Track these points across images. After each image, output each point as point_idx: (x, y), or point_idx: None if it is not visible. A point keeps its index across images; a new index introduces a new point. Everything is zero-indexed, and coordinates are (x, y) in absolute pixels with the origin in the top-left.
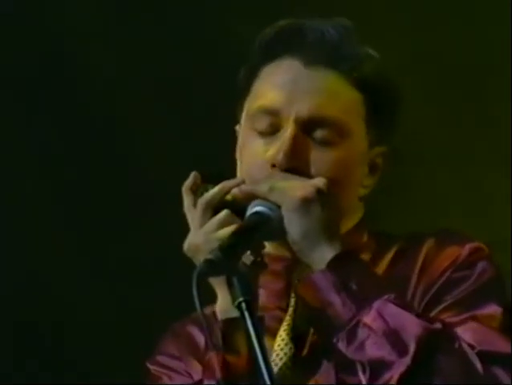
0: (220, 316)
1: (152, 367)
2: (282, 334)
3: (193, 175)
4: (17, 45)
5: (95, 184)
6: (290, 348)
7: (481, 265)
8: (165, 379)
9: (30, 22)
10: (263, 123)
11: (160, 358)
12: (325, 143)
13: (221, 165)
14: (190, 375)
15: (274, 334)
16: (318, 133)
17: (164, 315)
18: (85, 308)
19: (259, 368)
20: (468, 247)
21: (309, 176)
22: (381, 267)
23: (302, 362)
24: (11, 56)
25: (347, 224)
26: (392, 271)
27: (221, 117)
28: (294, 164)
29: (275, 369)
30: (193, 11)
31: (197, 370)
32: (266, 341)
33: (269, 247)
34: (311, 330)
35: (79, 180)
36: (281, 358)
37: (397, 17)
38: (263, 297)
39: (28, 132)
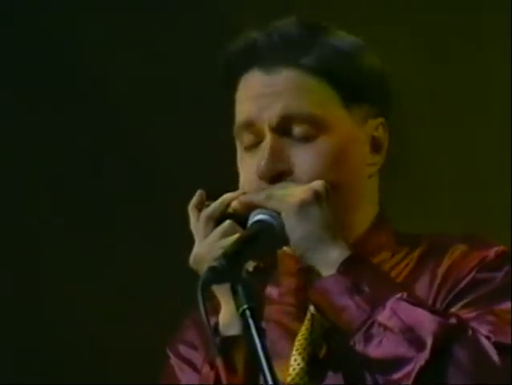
0: (221, 330)
1: (170, 354)
2: (298, 344)
3: (198, 193)
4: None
5: (99, 186)
6: (306, 362)
7: (506, 269)
8: (177, 370)
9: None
10: (246, 140)
11: (178, 346)
12: (305, 140)
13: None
14: (202, 368)
15: (285, 329)
16: (296, 132)
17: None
18: (86, 309)
19: (264, 377)
20: (494, 250)
21: (296, 177)
22: (405, 269)
23: (317, 369)
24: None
25: (366, 212)
26: (414, 275)
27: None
28: (278, 169)
29: (288, 379)
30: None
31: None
32: (279, 336)
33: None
34: (328, 340)
35: (83, 184)
36: (294, 369)
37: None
38: (275, 294)
39: (27, 131)
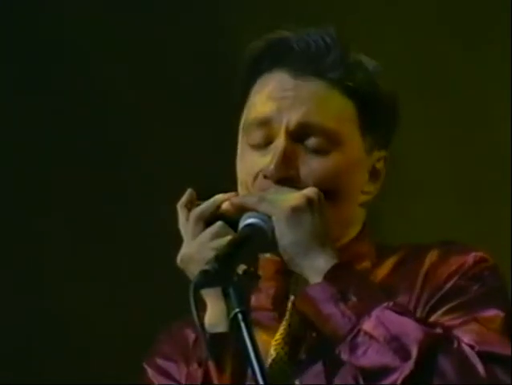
0: (208, 329)
1: (147, 368)
2: (278, 338)
3: (188, 192)
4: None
5: (97, 188)
6: (286, 353)
7: (486, 274)
8: (155, 383)
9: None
10: (256, 136)
11: (156, 359)
12: (317, 152)
13: (217, 179)
14: (181, 379)
15: (266, 331)
16: (310, 142)
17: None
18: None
19: (256, 381)
20: (473, 256)
21: (301, 184)
22: (380, 275)
23: (297, 365)
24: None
25: (350, 232)
26: (392, 279)
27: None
28: (286, 174)
29: (269, 371)
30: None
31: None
32: (259, 337)
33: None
34: (307, 335)
35: (82, 184)
36: (276, 363)
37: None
38: (255, 299)
39: (27, 131)
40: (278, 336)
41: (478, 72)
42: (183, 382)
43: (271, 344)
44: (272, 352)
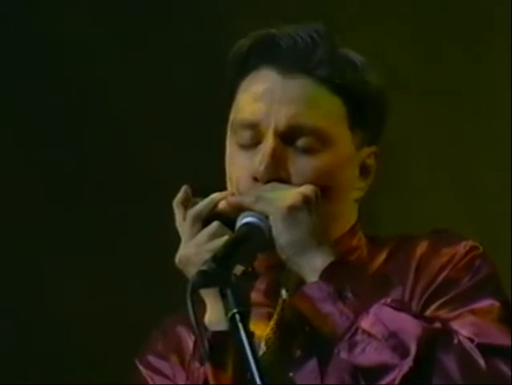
0: (209, 328)
1: (139, 365)
2: (269, 332)
3: (183, 189)
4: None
5: (97, 188)
6: (276, 348)
7: (478, 263)
8: (148, 381)
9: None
10: (244, 137)
11: (148, 357)
12: (307, 152)
13: (214, 177)
14: (174, 377)
15: (258, 327)
16: (300, 142)
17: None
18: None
19: (253, 381)
20: (463, 245)
21: (292, 185)
22: (373, 268)
23: (291, 361)
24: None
25: (343, 227)
26: (384, 272)
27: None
28: (276, 175)
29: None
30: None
31: (181, 376)
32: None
33: None
34: (301, 330)
35: (82, 184)
36: (267, 358)
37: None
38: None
39: (28, 131)
40: (268, 330)
41: (478, 72)
42: (177, 379)
43: (262, 339)
44: (263, 346)
